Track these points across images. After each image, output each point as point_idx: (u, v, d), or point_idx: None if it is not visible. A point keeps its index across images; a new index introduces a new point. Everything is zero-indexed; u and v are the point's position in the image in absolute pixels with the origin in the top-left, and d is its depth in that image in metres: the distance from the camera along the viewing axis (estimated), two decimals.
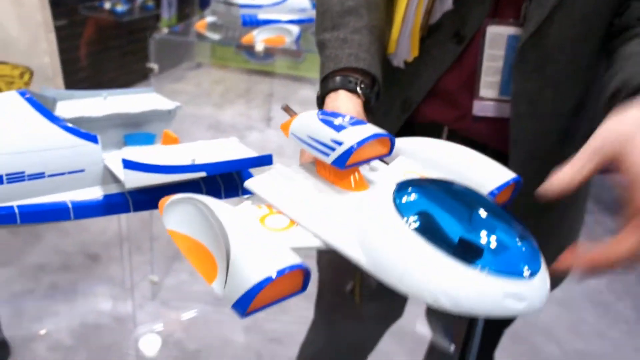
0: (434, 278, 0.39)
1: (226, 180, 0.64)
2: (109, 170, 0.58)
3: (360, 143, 0.49)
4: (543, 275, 0.41)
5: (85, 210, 0.56)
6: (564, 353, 1.70)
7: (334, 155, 0.50)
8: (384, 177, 0.55)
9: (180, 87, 3.17)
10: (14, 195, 0.54)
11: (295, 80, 3.52)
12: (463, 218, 0.42)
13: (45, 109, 0.57)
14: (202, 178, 0.62)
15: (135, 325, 1.02)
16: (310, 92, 3.36)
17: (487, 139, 0.79)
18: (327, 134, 0.50)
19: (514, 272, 0.39)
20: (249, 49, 3.72)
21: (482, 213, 0.43)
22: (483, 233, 0.41)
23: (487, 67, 0.75)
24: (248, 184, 0.53)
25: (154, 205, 0.60)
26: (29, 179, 0.54)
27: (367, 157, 0.52)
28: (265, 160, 0.63)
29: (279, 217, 0.48)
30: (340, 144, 0.49)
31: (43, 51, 1.71)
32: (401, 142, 0.60)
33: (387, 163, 0.59)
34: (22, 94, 0.57)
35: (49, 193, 0.56)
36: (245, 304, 0.38)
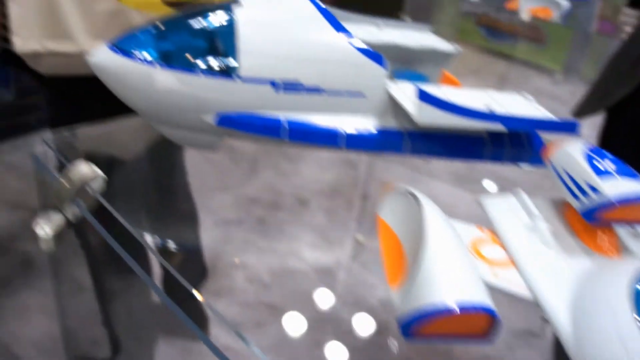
0: None
1: (514, 142, 0.53)
2: (392, 101, 0.49)
3: (622, 201, 0.39)
4: None
5: (358, 140, 0.49)
6: None
7: (584, 202, 0.41)
8: None
9: None
10: (285, 108, 0.48)
11: (531, 67, 3.23)
12: None
13: (331, 15, 0.50)
14: (490, 133, 0.52)
15: (335, 279, 0.97)
16: (546, 83, 3.07)
17: None
18: (584, 173, 0.42)
19: None
20: (491, 26, 3.52)
21: None
22: None
23: None
24: (482, 199, 0.48)
25: (430, 153, 0.52)
26: (306, 92, 0.48)
27: (630, 218, 0.41)
28: (568, 127, 0.51)
29: (496, 249, 0.43)
30: (596, 191, 0.40)
31: None
32: None
33: None
34: None
35: (320, 113, 0.49)
36: (410, 326, 0.34)
